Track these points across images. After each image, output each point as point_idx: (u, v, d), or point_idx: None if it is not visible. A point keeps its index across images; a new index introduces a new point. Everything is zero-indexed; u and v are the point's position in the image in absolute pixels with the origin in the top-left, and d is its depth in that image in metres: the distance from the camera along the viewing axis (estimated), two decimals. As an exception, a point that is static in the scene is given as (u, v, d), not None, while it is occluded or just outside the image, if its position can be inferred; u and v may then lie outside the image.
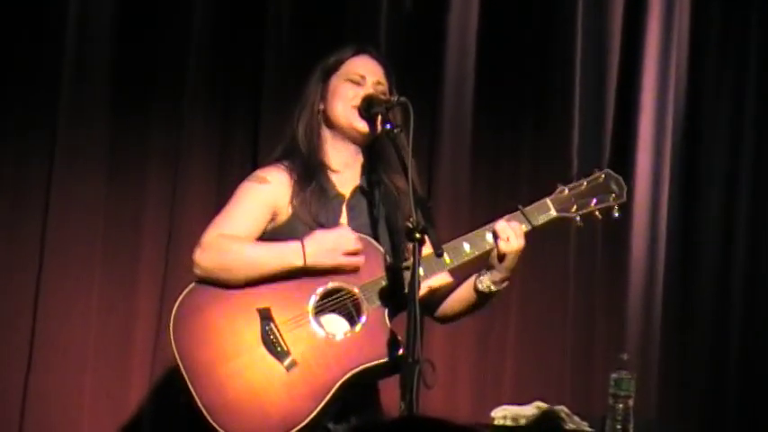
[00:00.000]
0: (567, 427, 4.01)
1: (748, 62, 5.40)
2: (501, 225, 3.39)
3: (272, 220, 3.47)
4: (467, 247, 3.40)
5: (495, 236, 3.38)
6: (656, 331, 5.19)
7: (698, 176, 5.34)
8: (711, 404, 5.26)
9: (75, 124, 4.51)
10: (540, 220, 3.45)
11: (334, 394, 3.29)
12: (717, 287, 5.32)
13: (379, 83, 3.54)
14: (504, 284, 3.44)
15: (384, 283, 3.36)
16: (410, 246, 3.25)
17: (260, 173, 3.52)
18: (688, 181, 5.33)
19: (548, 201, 3.47)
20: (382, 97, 3.49)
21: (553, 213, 3.47)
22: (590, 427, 4.02)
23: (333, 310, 3.37)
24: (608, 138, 5.21)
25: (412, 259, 3.19)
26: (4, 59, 4.47)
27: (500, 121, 5.08)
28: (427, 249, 3.32)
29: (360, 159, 3.56)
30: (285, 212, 3.46)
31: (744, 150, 5.36)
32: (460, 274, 3.51)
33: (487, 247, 3.39)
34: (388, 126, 3.38)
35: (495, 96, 5.06)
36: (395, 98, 3.45)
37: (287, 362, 3.32)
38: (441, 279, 3.50)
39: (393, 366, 3.27)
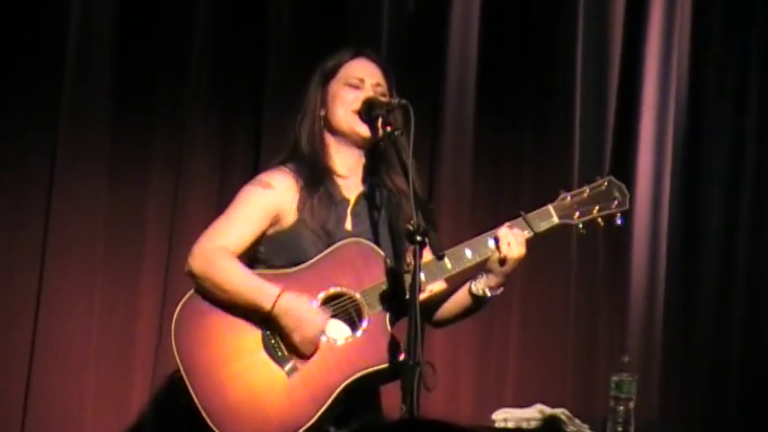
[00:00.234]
0: (569, 430, 4.01)
1: (750, 61, 5.39)
2: (503, 231, 3.38)
3: (275, 223, 3.46)
4: (468, 253, 3.39)
5: (497, 242, 3.37)
6: (658, 333, 5.19)
7: (699, 177, 5.34)
8: (713, 406, 5.26)
9: (76, 125, 4.51)
10: (543, 226, 3.45)
11: (334, 399, 3.29)
12: (718, 288, 5.32)
13: (378, 84, 3.53)
14: (500, 290, 3.44)
15: (385, 288, 3.36)
16: (411, 249, 3.25)
17: (264, 177, 3.50)
18: (689, 181, 5.32)
19: (550, 207, 3.47)
20: (382, 100, 3.48)
21: (555, 220, 3.46)
22: (591, 429, 4.02)
23: (334, 315, 3.36)
24: (609, 138, 5.21)
25: (413, 263, 3.18)
26: (5, 60, 4.47)
27: (501, 121, 5.07)
28: (428, 255, 3.32)
29: (363, 163, 3.55)
30: (290, 217, 3.45)
31: (745, 150, 5.35)
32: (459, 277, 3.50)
33: (489, 254, 3.39)
34: (389, 129, 3.37)
35: (496, 97, 5.05)
36: (395, 100, 3.45)
37: (288, 367, 3.33)
38: (437, 284, 3.49)
39: (394, 371, 3.27)
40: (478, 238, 3.42)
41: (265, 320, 3.34)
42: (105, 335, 4.51)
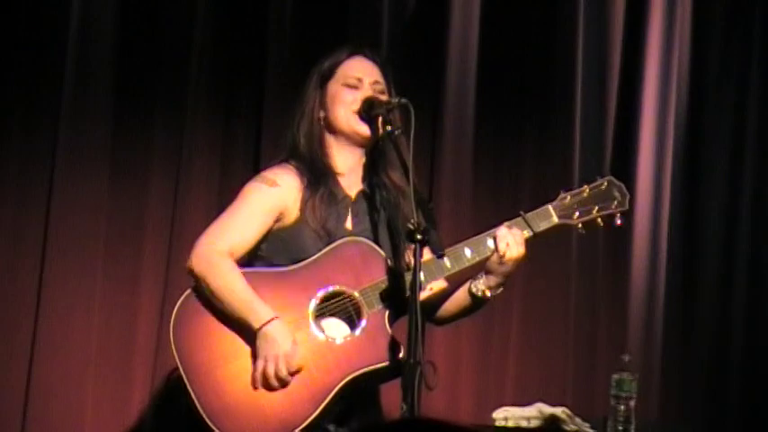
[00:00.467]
0: (569, 429, 4.01)
1: (751, 61, 5.38)
2: (502, 231, 3.38)
3: (278, 220, 3.46)
4: (468, 252, 3.39)
5: (496, 242, 3.37)
6: (659, 332, 5.18)
7: (700, 177, 5.33)
8: (713, 405, 5.26)
9: (77, 125, 4.51)
10: (542, 226, 3.44)
11: (332, 398, 3.29)
12: (719, 287, 5.32)
13: (376, 82, 3.52)
14: (499, 290, 3.43)
15: (384, 286, 3.36)
16: (411, 248, 3.25)
17: (269, 175, 3.48)
18: (690, 181, 5.32)
19: (549, 207, 3.47)
20: (382, 98, 3.48)
21: (555, 220, 3.46)
22: (591, 428, 4.02)
23: (333, 314, 3.36)
24: (610, 138, 5.20)
25: (413, 261, 3.18)
26: (6, 60, 4.47)
27: (501, 121, 5.07)
28: (427, 255, 3.32)
29: (363, 162, 3.54)
30: (293, 215, 3.45)
31: (746, 151, 5.35)
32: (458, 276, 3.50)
33: (488, 253, 3.38)
34: (389, 128, 3.37)
35: (496, 97, 5.06)
36: (395, 99, 3.45)
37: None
38: (437, 283, 3.48)
39: (393, 370, 3.27)
40: (478, 237, 3.42)
41: (250, 333, 3.33)
42: (106, 334, 4.51)
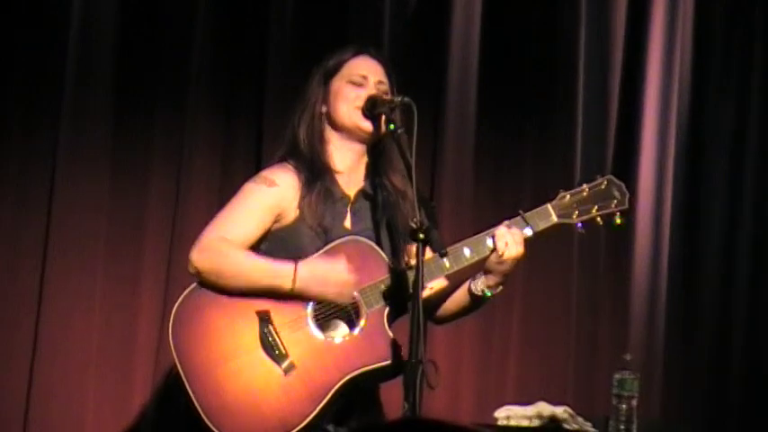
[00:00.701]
0: (571, 428, 4.01)
1: (752, 61, 5.39)
2: (501, 231, 3.38)
3: (277, 221, 3.46)
4: (467, 251, 3.39)
5: (495, 241, 3.36)
6: (660, 331, 5.19)
7: (701, 177, 5.34)
8: (715, 404, 5.26)
9: (78, 124, 4.52)
10: (541, 225, 3.44)
11: (331, 398, 3.30)
12: (720, 287, 5.32)
13: (380, 82, 3.53)
14: (499, 289, 3.43)
15: (384, 286, 3.36)
16: (411, 248, 3.25)
17: (267, 174, 3.49)
18: (691, 181, 5.32)
19: (549, 206, 3.47)
20: (385, 97, 3.48)
21: (554, 219, 3.46)
22: (593, 427, 4.03)
23: (332, 314, 3.36)
24: (611, 138, 5.21)
25: (414, 261, 3.18)
26: (7, 60, 4.47)
27: (503, 120, 5.08)
28: (427, 254, 3.32)
29: (364, 160, 3.55)
30: (292, 214, 3.45)
31: (747, 150, 5.35)
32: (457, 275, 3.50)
33: (488, 253, 3.38)
34: (392, 126, 3.37)
35: (497, 96, 5.06)
36: (398, 98, 3.45)
37: (285, 365, 3.32)
38: (437, 282, 3.48)
39: (392, 370, 3.28)
40: (477, 236, 3.42)
41: (287, 297, 3.33)
42: (106, 334, 4.51)
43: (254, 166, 4.53)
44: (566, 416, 4.04)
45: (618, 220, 3.51)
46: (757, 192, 5.35)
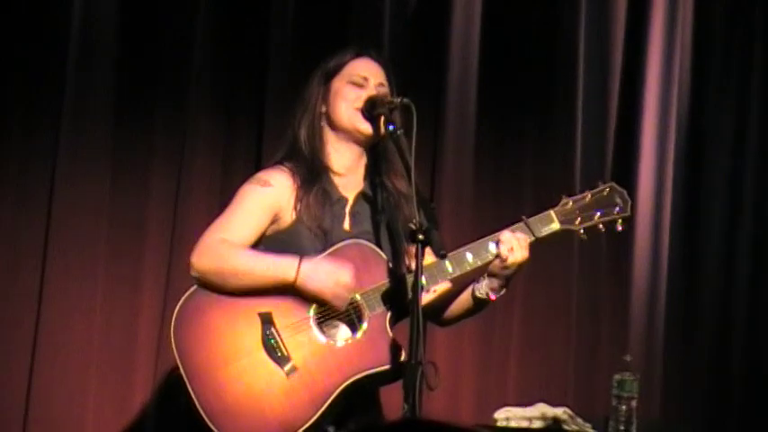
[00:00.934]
0: (570, 429, 4.01)
1: (752, 62, 5.39)
2: (506, 236, 3.38)
3: (274, 222, 3.46)
4: (470, 256, 3.39)
5: (499, 246, 3.37)
6: (660, 332, 5.19)
7: (701, 178, 5.34)
8: (714, 405, 5.26)
9: (78, 124, 4.52)
10: (544, 231, 3.44)
11: (333, 401, 3.29)
12: (720, 288, 5.32)
13: (381, 84, 3.53)
14: (502, 292, 3.44)
15: (385, 289, 3.36)
16: (412, 249, 3.25)
17: (262, 175, 3.50)
18: (691, 182, 5.32)
19: (552, 212, 3.47)
20: (385, 98, 3.48)
21: (557, 225, 3.46)
22: (593, 428, 4.03)
23: (334, 317, 3.36)
24: (611, 139, 5.21)
25: (414, 263, 3.18)
26: (7, 60, 4.47)
27: (503, 121, 5.07)
28: (429, 258, 3.32)
29: (363, 162, 3.54)
30: (288, 216, 3.45)
31: (747, 152, 5.35)
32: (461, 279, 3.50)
33: (491, 258, 3.38)
34: (391, 127, 3.37)
35: (497, 97, 5.06)
36: (397, 99, 3.45)
37: (287, 367, 3.32)
38: (440, 285, 3.48)
39: (394, 374, 3.28)
40: (480, 241, 3.42)
41: (291, 291, 3.33)
42: (107, 334, 4.51)
43: (255, 166, 4.53)
44: (565, 417, 4.05)
45: (620, 227, 3.52)
46: (757, 192, 5.34)
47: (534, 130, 5.11)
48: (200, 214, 4.44)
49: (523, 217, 3.44)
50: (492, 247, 3.39)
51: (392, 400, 3.36)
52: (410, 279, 3.28)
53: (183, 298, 3.39)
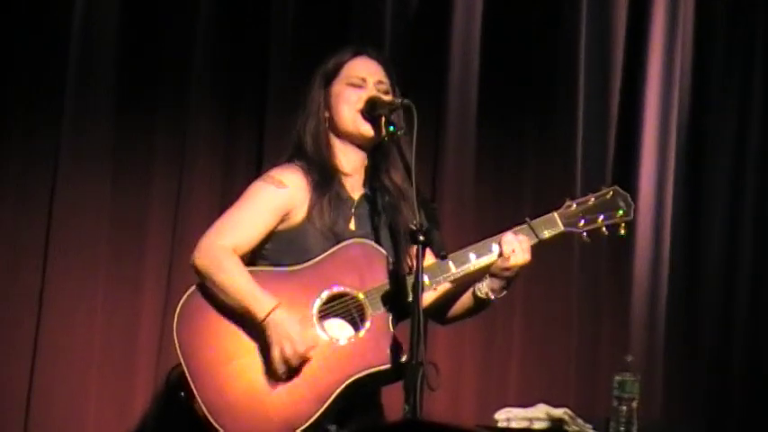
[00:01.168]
0: (571, 430, 4.01)
1: (753, 62, 5.38)
2: (509, 238, 3.38)
3: (283, 221, 3.46)
4: (473, 257, 3.40)
5: (502, 248, 3.37)
6: (661, 333, 5.18)
7: (703, 178, 5.33)
8: (716, 406, 5.26)
9: (79, 124, 4.51)
10: (547, 233, 3.45)
11: (335, 399, 3.30)
12: (721, 288, 5.32)
13: (380, 82, 3.52)
14: (503, 293, 3.44)
15: (388, 289, 3.36)
16: (413, 250, 3.25)
17: (276, 175, 3.47)
18: (692, 182, 5.32)
19: (555, 215, 3.47)
20: (385, 99, 3.48)
21: (560, 228, 3.47)
22: (594, 429, 4.03)
23: (337, 315, 3.36)
24: (612, 139, 5.20)
25: (416, 262, 3.18)
26: (9, 60, 4.47)
27: (504, 121, 5.07)
28: (432, 258, 3.32)
29: (366, 163, 3.54)
30: (300, 215, 3.44)
31: (749, 152, 5.35)
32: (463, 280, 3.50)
33: (494, 258, 3.39)
34: (392, 128, 3.37)
35: (498, 97, 5.05)
36: (398, 100, 3.45)
37: (289, 365, 3.32)
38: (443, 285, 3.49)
39: (395, 373, 3.28)
40: (483, 242, 3.42)
41: (257, 327, 3.33)
42: (108, 334, 4.51)
43: (256, 166, 4.53)
44: (566, 417, 4.04)
45: (622, 231, 3.52)
46: (758, 192, 5.34)
47: (535, 130, 5.11)
48: (201, 214, 4.44)
49: (527, 219, 3.45)
50: (495, 247, 3.39)
51: (393, 401, 3.37)
52: (411, 280, 3.28)
53: (186, 295, 3.39)
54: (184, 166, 4.61)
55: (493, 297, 3.43)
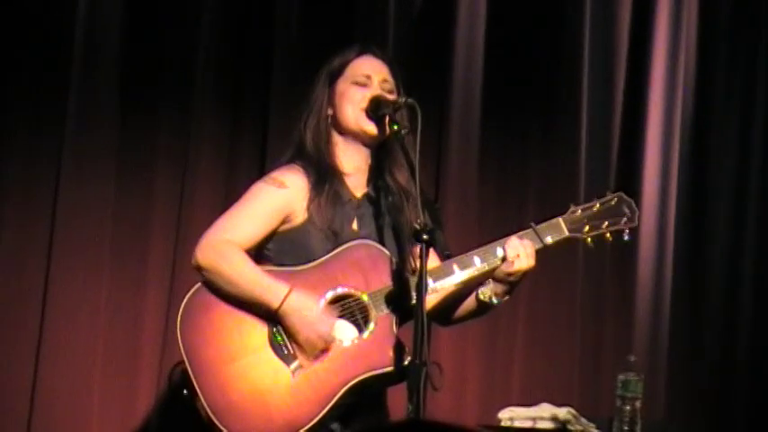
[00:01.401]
0: (574, 429, 4.01)
1: (757, 63, 5.38)
2: (513, 242, 3.39)
3: (285, 222, 3.46)
4: (477, 261, 3.40)
5: (506, 251, 3.37)
6: (665, 332, 5.18)
7: (706, 179, 5.33)
8: (719, 406, 5.25)
9: (83, 125, 4.52)
10: (552, 239, 3.45)
11: (338, 400, 3.30)
12: (724, 288, 5.31)
13: (385, 80, 3.52)
14: (506, 298, 3.44)
15: (392, 290, 3.36)
16: (417, 251, 3.25)
17: (278, 176, 3.47)
18: (696, 183, 5.31)
19: (560, 220, 3.48)
20: (389, 98, 3.48)
21: (565, 233, 3.47)
22: (597, 428, 4.02)
23: (341, 316, 3.36)
24: (615, 140, 5.20)
25: (419, 263, 3.18)
26: (12, 60, 4.47)
27: (508, 122, 5.07)
28: (436, 260, 3.32)
29: (369, 162, 3.54)
30: (300, 216, 3.44)
31: (753, 153, 5.34)
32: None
33: (498, 263, 3.39)
34: (395, 127, 3.37)
35: (502, 97, 5.05)
36: (402, 99, 3.45)
37: (293, 365, 3.32)
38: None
39: (399, 375, 3.28)
40: (488, 246, 3.42)
41: (271, 317, 3.33)
42: (111, 335, 4.51)
43: (260, 167, 4.53)
44: (569, 417, 4.04)
45: (626, 237, 3.53)
46: (762, 193, 5.34)
47: (538, 132, 5.11)
48: (205, 215, 4.43)
49: (532, 223, 3.45)
50: (499, 251, 3.39)
51: (397, 401, 3.37)
52: (415, 281, 3.28)
53: (190, 293, 3.39)
54: (188, 166, 4.62)
55: (496, 301, 3.43)
